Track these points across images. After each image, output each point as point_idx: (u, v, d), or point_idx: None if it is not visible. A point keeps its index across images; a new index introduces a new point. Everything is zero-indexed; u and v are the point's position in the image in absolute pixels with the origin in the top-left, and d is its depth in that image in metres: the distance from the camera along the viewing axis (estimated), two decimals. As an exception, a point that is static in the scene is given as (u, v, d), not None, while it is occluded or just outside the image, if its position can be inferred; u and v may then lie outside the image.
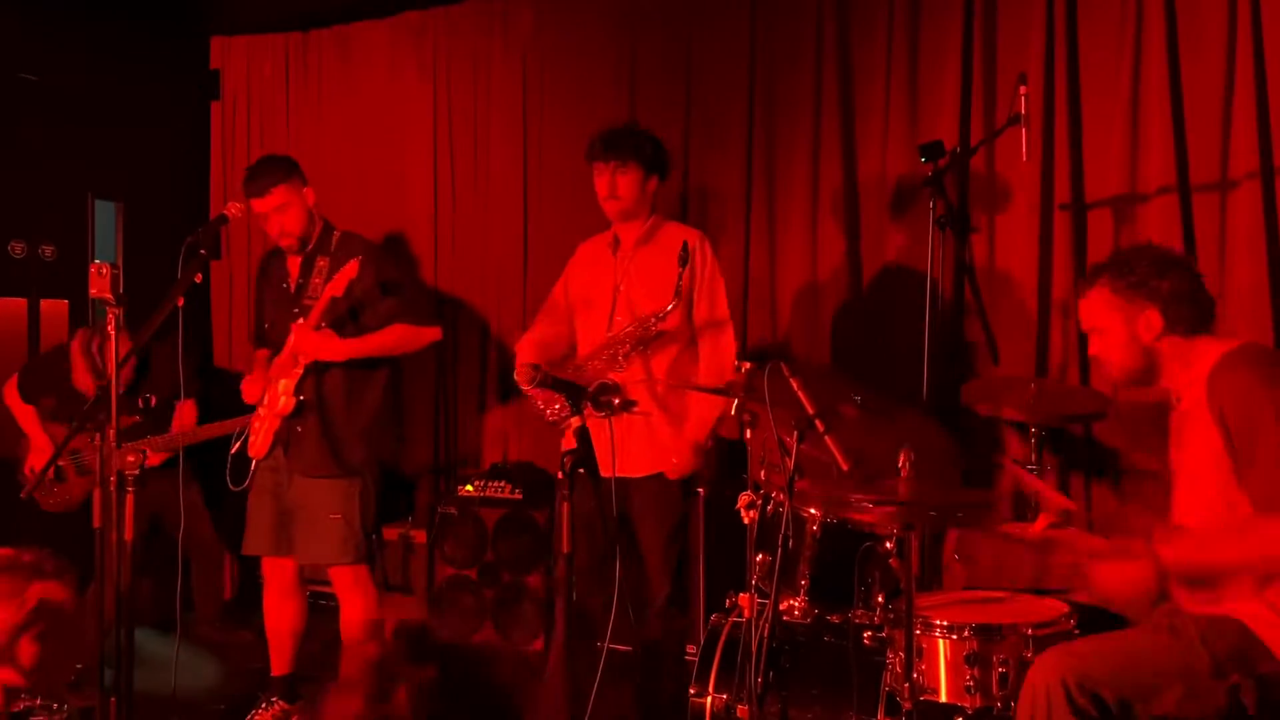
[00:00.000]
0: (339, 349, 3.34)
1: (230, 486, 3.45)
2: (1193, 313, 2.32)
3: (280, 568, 3.51)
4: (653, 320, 3.23)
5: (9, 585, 1.92)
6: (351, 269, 3.27)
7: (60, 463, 4.24)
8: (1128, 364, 2.36)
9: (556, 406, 3.26)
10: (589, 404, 2.99)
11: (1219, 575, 2.21)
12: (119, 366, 3.65)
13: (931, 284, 3.43)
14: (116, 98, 4.96)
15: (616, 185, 3.32)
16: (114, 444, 2.67)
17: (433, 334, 3.50)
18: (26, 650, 1.96)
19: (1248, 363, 2.25)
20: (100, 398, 2.74)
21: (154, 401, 4.24)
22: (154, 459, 3.97)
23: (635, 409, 3.07)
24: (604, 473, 3.25)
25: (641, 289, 3.33)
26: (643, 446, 3.30)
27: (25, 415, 4.32)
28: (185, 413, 4.25)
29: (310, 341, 3.33)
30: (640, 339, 3.25)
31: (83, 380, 4.22)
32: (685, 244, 3.19)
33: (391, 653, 1.03)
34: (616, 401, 2.98)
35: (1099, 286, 2.37)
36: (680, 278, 3.15)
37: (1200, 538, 2.24)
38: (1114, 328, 2.34)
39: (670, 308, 3.17)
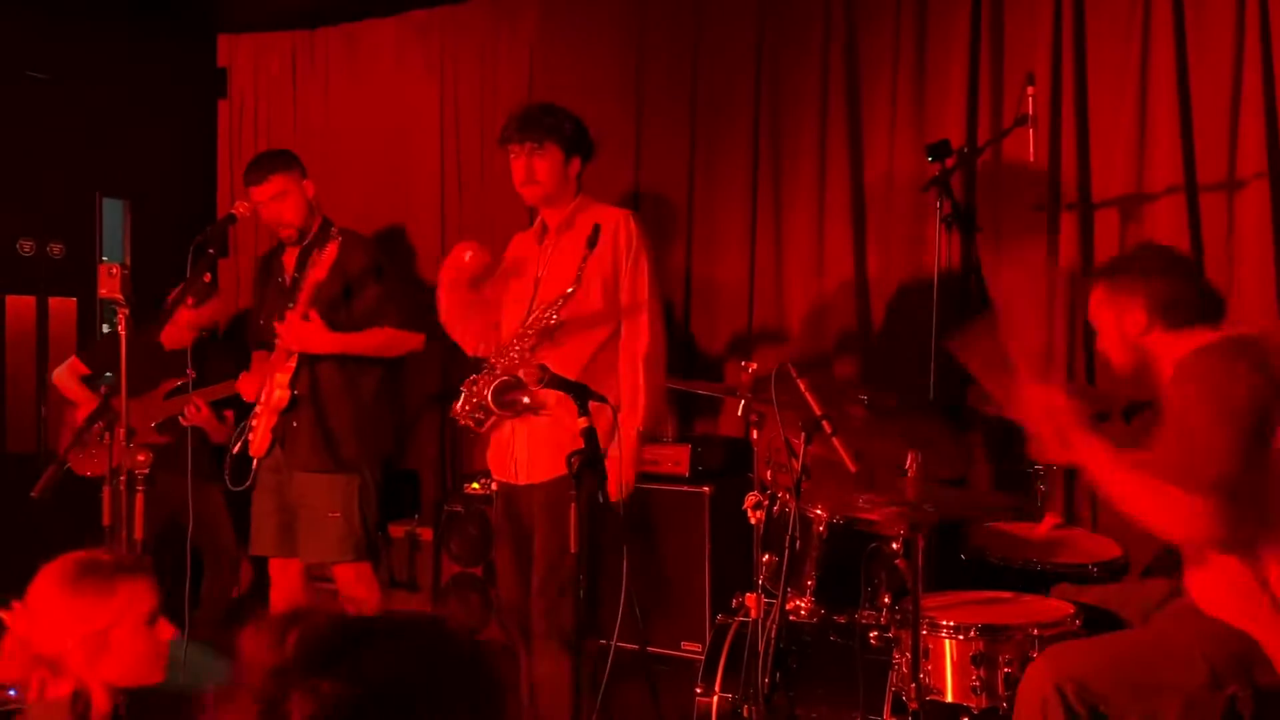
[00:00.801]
0: (325, 341, 3.33)
1: (230, 486, 3.45)
2: (1183, 309, 2.31)
3: (287, 566, 3.52)
4: (551, 310, 2.98)
5: (95, 586, 1.89)
6: (331, 251, 3.26)
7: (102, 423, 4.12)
8: (1120, 360, 2.39)
9: (478, 415, 3.08)
10: (494, 404, 2.91)
11: (1103, 489, 2.23)
12: (177, 311, 3.64)
13: (938, 283, 3.43)
14: (124, 96, 4.97)
15: (534, 169, 3.05)
16: (125, 443, 2.68)
17: (416, 341, 3.47)
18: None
19: (1205, 354, 2.23)
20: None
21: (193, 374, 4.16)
22: (200, 417, 3.92)
23: (542, 410, 2.91)
24: (500, 476, 3.20)
25: (560, 276, 3.03)
26: (549, 449, 2.97)
27: (73, 389, 4.20)
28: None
29: (296, 332, 3.32)
30: (542, 331, 3.01)
31: (169, 332, 4.13)
32: (596, 227, 2.92)
33: (290, 663, 0.89)
34: (525, 400, 2.87)
35: (1097, 286, 2.42)
36: (584, 261, 2.90)
37: (1117, 456, 2.22)
38: (1106, 325, 2.39)
39: (562, 298, 2.94)
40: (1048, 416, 2.22)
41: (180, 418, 3.94)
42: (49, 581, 1.88)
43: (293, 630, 0.97)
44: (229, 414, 4.11)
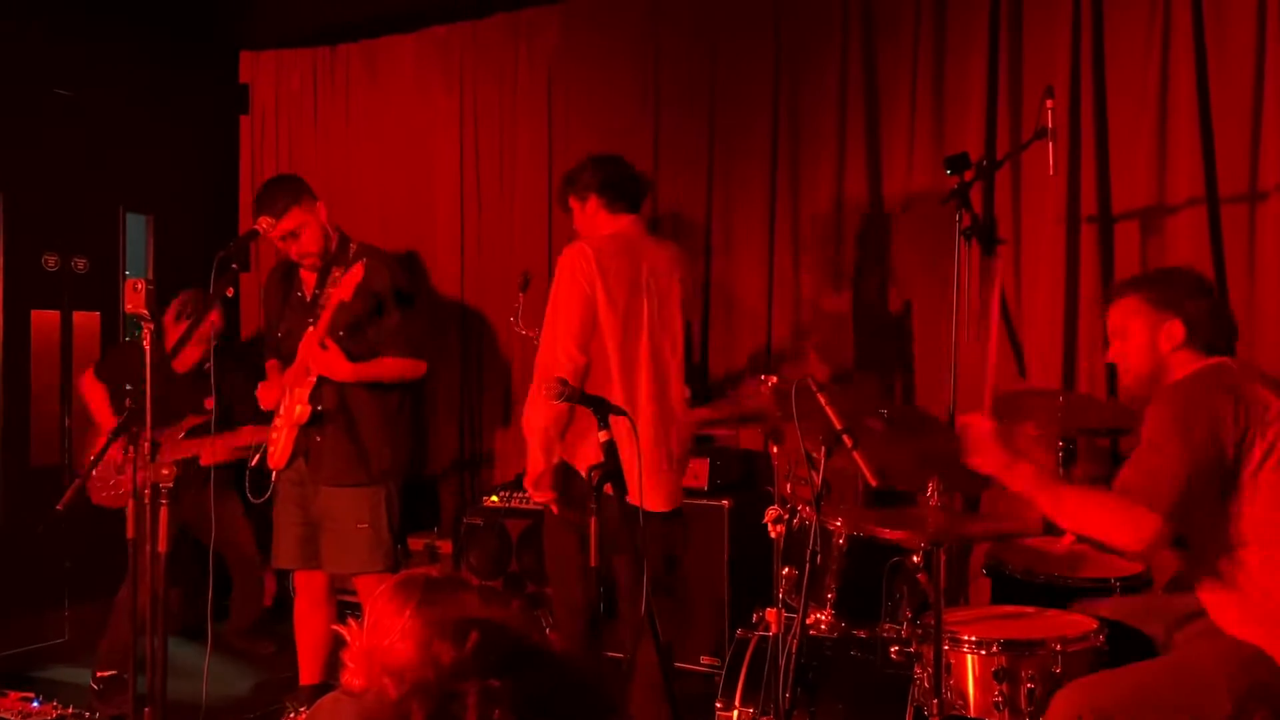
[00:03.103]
0: (342, 370, 3.37)
1: (250, 499, 3.47)
2: (1213, 334, 2.42)
3: (311, 579, 3.54)
4: None
5: (443, 602, 1.92)
6: (356, 272, 3.28)
7: (118, 454, 4.02)
8: (1140, 369, 2.46)
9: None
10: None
11: (1046, 509, 2.34)
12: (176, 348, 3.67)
13: (957, 296, 3.42)
14: (147, 112, 5.03)
15: (574, 224, 3.38)
16: (149, 456, 2.71)
17: (419, 369, 3.51)
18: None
19: (1184, 384, 2.35)
20: (138, 404, 2.73)
21: (211, 405, 4.10)
22: (218, 456, 3.87)
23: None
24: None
25: None
26: None
27: (97, 400, 4.19)
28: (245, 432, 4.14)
29: (318, 358, 3.36)
30: None
31: (180, 357, 4.07)
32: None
33: (469, 662, 0.98)
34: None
35: (1130, 294, 2.50)
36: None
37: (1053, 484, 2.37)
38: (1137, 332, 2.45)
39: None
40: (978, 446, 2.38)
41: (198, 459, 3.90)
42: (396, 602, 1.91)
43: (473, 633, 1.06)
44: (245, 429, 3.99)
